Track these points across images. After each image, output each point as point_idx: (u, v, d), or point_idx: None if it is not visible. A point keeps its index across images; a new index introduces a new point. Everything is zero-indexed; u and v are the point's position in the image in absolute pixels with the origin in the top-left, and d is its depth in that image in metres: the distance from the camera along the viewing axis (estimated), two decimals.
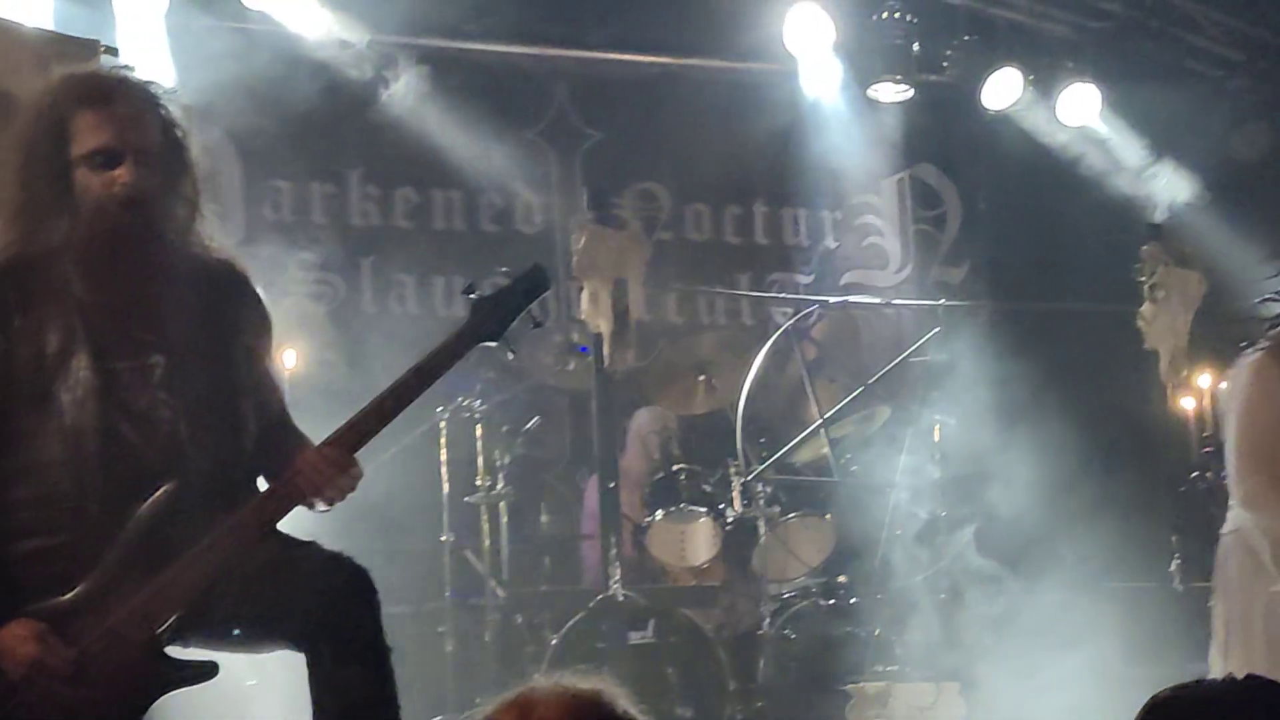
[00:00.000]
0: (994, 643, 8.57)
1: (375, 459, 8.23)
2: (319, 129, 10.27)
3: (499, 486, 9.06)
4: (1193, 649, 9.28)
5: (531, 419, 9.58)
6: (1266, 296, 6.38)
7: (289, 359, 8.70)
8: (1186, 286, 10.11)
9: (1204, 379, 10.31)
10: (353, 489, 4.47)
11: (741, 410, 9.20)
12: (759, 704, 8.52)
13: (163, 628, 4.27)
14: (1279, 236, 9.98)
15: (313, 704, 4.29)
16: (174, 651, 4.35)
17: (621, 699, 2.49)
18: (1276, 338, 6.27)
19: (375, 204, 10.67)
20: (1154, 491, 10.39)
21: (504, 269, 4.74)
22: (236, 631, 4.40)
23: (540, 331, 9.80)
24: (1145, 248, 10.32)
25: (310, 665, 4.29)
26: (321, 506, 4.44)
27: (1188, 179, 10.94)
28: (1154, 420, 10.45)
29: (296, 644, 4.32)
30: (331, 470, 4.38)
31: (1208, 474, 10.07)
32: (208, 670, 4.38)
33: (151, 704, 4.37)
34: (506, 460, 9.10)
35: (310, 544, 4.47)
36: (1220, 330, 10.42)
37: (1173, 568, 9.71)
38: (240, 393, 4.59)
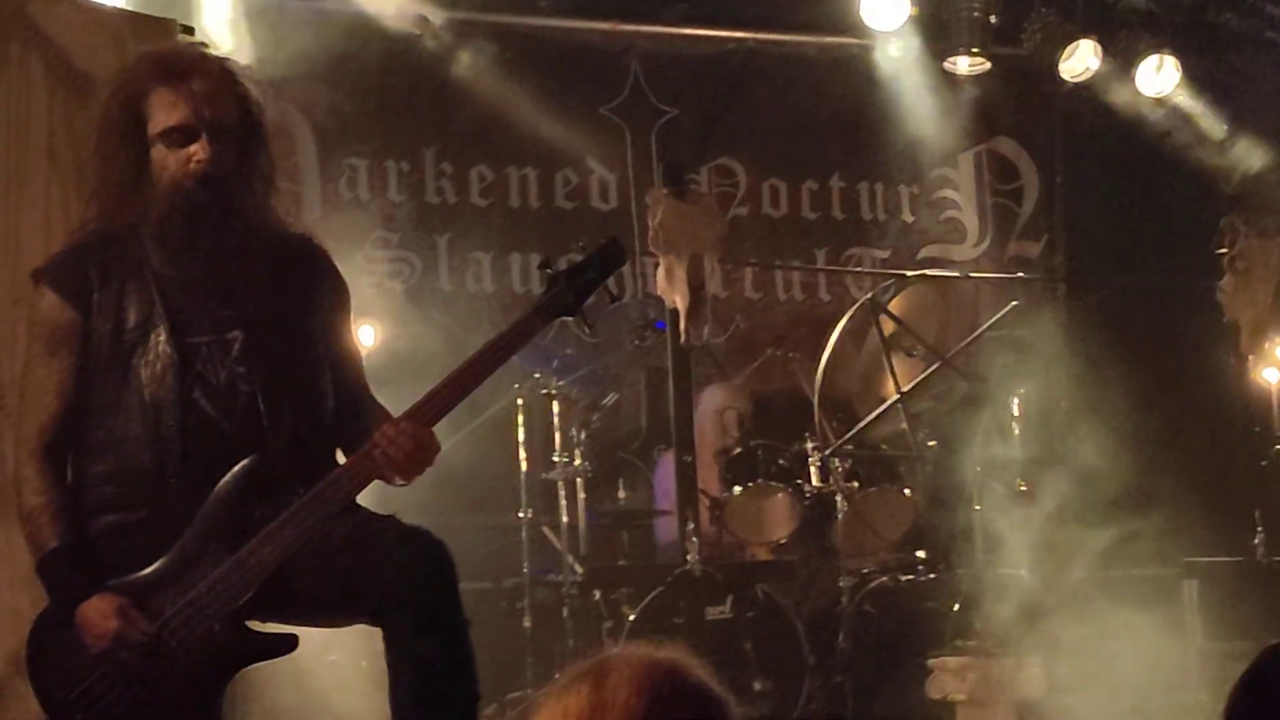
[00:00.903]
0: (1074, 617, 8.51)
1: (454, 434, 8.33)
2: (394, 107, 10.30)
3: (576, 462, 9.07)
4: (1275, 623, 9.24)
5: (608, 395, 9.59)
6: None
7: (367, 336, 8.75)
8: (1267, 258, 10.01)
9: None
10: (430, 463, 4.47)
11: (819, 385, 9.18)
12: (837, 679, 8.50)
13: (242, 602, 4.29)
14: None
15: (390, 678, 4.30)
16: (253, 625, 4.38)
17: (697, 668, 2.47)
18: None
19: (450, 181, 10.67)
20: (1237, 464, 10.31)
21: (580, 244, 4.74)
22: (315, 605, 4.42)
23: (617, 307, 9.84)
24: (1224, 220, 10.23)
25: (387, 639, 4.30)
26: (399, 481, 4.44)
27: (1268, 150, 10.83)
28: (1235, 393, 10.36)
29: (374, 618, 4.34)
30: (409, 444, 4.38)
31: None
32: (287, 643, 4.40)
33: (231, 677, 4.40)
34: (583, 436, 9.11)
35: (389, 518, 4.48)
36: None
37: (1256, 541, 9.63)
38: (318, 367, 4.60)
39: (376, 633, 4.35)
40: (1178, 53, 10.73)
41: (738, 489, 9.09)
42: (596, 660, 2.45)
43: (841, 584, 8.78)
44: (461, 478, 8.75)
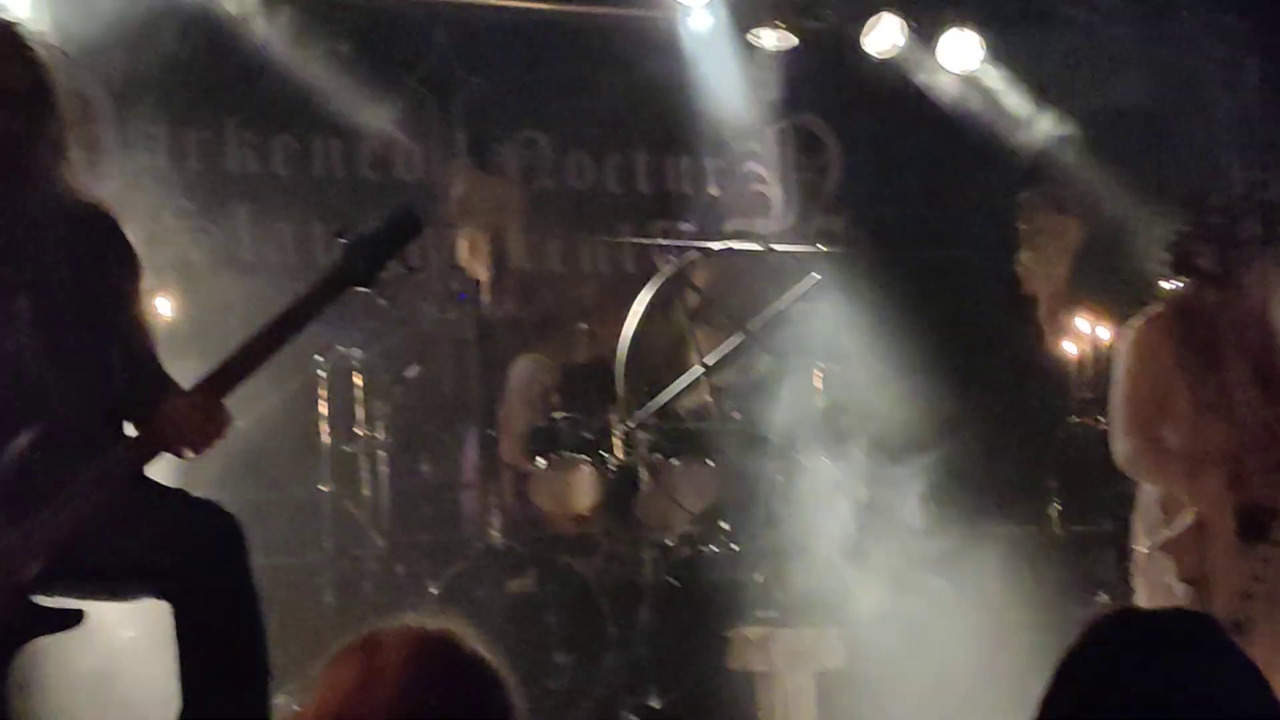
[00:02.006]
0: (874, 588, 8.59)
1: (253, 408, 8.22)
2: (194, 75, 10.13)
3: (379, 436, 9.00)
4: (1072, 592, 9.39)
5: (412, 367, 9.53)
6: (1161, 260, 6.44)
7: (164, 307, 8.61)
8: (1064, 233, 10.17)
9: (1082, 324, 10.38)
10: (221, 436, 4.41)
11: (623, 358, 9.17)
12: (640, 651, 8.51)
13: (27, 575, 4.21)
14: (1156, 183, 10.05)
15: (178, 654, 4.24)
16: (39, 600, 4.29)
17: (470, 640, 2.46)
18: (1165, 304, 6.35)
19: (252, 151, 10.55)
20: (1034, 436, 10.46)
21: (377, 215, 4.69)
22: (102, 579, 4.35)
23: (422, 279, 9.82)
24: (1024, 194, 10.38)
25: (175, 614, 4.24)
26: (189, 454, 4.38)
27: (1067, 126, 10.99)
28: (1033, 366, 10.50)
29: (162, 593, 4.27)
30: (198, 417, 4.32)
31: (1086, 419, 10.16)
32: (73, 618, 4.32)
33: (15, 650, 4.31)
34: (387, 409, 9.05)
35: (177, 491, 4.42)
36: (1098, 276, 10.50)
37: (1052, 512, 9.78)
38: (108, 337, 4.52)
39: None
40: (981, 28, 10.84)
41: (541, 461, 9.07)
42: (368, 634, 2.43)
43: (644, 556, 8.78)
44: (260, 451, 8.65)
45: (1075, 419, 10.06)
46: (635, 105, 11.07)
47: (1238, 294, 6.23)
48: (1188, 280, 6.31)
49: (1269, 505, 6.06)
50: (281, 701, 5.63)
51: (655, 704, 8.39)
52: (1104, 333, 10.25)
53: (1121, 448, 6.27)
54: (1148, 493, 6.34)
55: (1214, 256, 6.23)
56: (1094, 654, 2.46)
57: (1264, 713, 2.40)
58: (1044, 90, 11.04)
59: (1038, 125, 10.99)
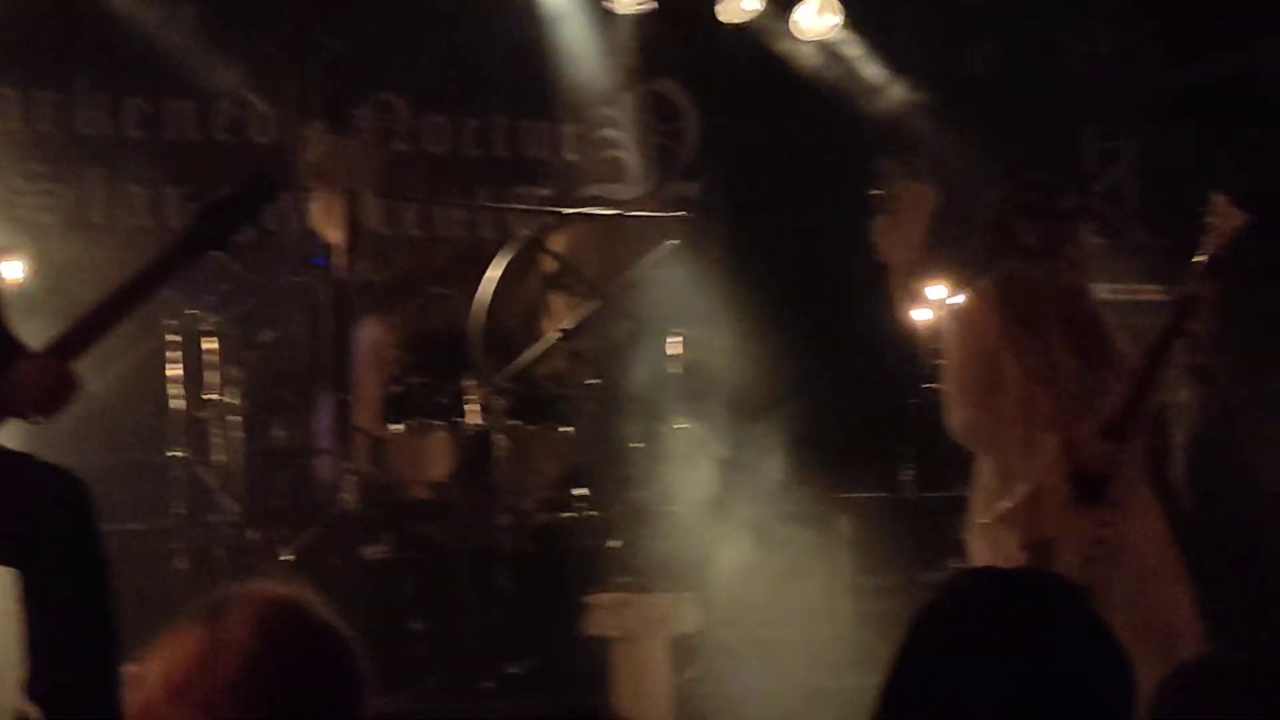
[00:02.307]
0: (730, 553, 8.64)
1: (105, 372, 8.13)
2: (45, 35, 9.99)
3: (232, 400, 8.93)
4: (924, 558, 9.48)
5: (266, 331, 9.45)
6: (987, 235, 6.53)
7: (15, 269, 8.49)
8: (920, 200, 10.24)
9: (936, 291, 10.46)
10: (70, 400, 4.35)
11: (480, 322, 9.15)
12: (496, 617, 8.50)
13: None
14: (1010, 150, 10.14)
15: (26, 622, 4.18)
16: None
17: (318, 605, 2.44)
18: (989, 278, 6.44)
19: (104, 113, 10.41)
20: (888, 403, 10.54)
21: (231, 179, 4.64)
22: None
23: (276, 243, 9.74)
24: (879, 162, 10.44)
25: (22, 580, 4.18)
26: (37, 418, 4.31)
27: (923, 93, 11.06)
28: (887, 332, 10.58)
29: (8, 558, 4.21)
30: (48, 381, 4.26)
31: (938, 386, 10.25)
32: None
33: None
34: (240, 374, 8.97)
35: (25, 456, 4.35)
36: (952, 244, 10.58)
37: (904, 478, 9.87)
38: None
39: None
40: None
41: (396, 427, 9.02)
42: (214, 598, 2.41)
43: (501, 522, 8.77)
44: (111, 415, 8.57)
45: (928, 385, 10.15)
46: (493, 69, 11.01)
47: (1060, 266, 6.34)
48: (1012, 252, 6.40)
49: (1102, 469, 6.17)
50: (132, 669, 5.58)
51: (512, 670, 8.39)
52: (956, 300, 10.34)
53: (956, 420, 6.37)
54: (985, 463, 6.43)
55: (1035, 231, 6.33)
56: (950, 611, 2.48)
57: (1116, 673, 2.43)
58: (900, 58, 11.10)
59: (894, 93, 11.05)
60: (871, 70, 11.07)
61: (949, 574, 2.63)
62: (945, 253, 10.41)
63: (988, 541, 6.33)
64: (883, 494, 9.87)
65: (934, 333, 10.14)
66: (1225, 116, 11.10)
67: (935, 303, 10.31)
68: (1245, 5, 10.67)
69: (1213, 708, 2.63)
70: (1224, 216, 6.18)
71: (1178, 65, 11.91)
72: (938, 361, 10.16)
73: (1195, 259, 6.21)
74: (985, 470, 6.42)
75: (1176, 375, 6.25)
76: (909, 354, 10.32)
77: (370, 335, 9.76)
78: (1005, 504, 6.22)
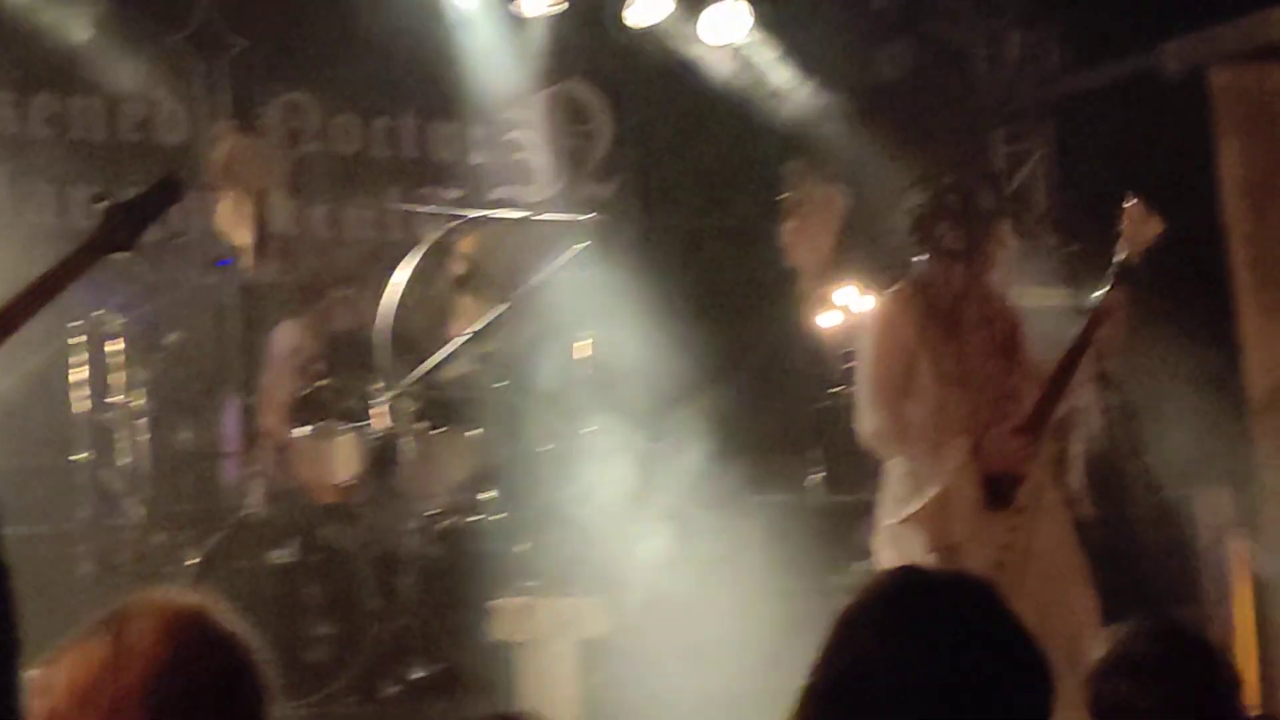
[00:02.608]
0: (638, 556, 8.63)
1: (8, 374, 8.05)
2: None
3: (138, 403, 8.85)
4: (832, 561, 9.51)
5: (172, 333, 9.37)
6: (905, 237, 6.55)
7: None
8: (829, 204, 10.27)
9: (845, 295, 10.50)
10: None
11: (387, 325, 9.10)
12: (402, 622, 8.46)
13: None
14: (919, 155, 10.18)
15: None
16: None
17: (224, 614, 2.43)
18: (906, 280, 6.47)
19: (10, 110, 10.31)
20: (796, 406, 10.57)
21: (136, 179, 4.60)
22: None
23: (182, 244, 9.67)
24: (789, 165, 10.46)
25: None
26: None
27: (832, 97, 11.09)
28: (796, 336, 10.61)
29: None
30: None
31: (848, 389, 10.29)
32: None
33: None
34: (146, 376, 8.90)
35: None
36: (862, 248, 10.62)
37: (813, 481, 9.90)
38: None
39: None
40: None
41: (302, 430, 8.97)
42: (119, 607, 2.39)
43: (408, 526, 8.74)
44: (14, 417, 8.48)
45: (836, 389, 10.18)
46: (402, 70, 10.98)
47: (979, 267, 6.38)
48: (930, 255, 6.43)
49: (1012, 473, 6.20)
50: (35, 674, 5.52)
51: (418, 675, 8.36)
52: (865, 304, 10.39)
53: (867, 423, 6.40)
54: (895, 467, 6.45)
55: (955, 232, 6.35)
56: (873, 612, 2.49)
57: (1035, 674, 2.45)
58: (810, 61, 11.12)
59: (803, 96, 11.07)
60: (781, 74, 11.09)
61: (873, 574, 2.64)
62: (854, 256, 10.46)
63: (895, 544, 6.36)
64: (791, 497, 9.89)
65: (844, 336, 10.20)
66: (1130, 119, 11.18)
67: (844, 306, 10.36)
68: (1148, 8, 10.75)
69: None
70: (1139, 223, 6.22)
71: (1082, 68, 12.00)
72: (847, 365, 10.25)
73: (1111, 264, 6.24)
74: (895, 472, 6.44)
75: (1086, 382, 6.29)
76: (817, 357, 10.36)
77: (276, 337, 9.70)
78: (914, 506, 6.24)
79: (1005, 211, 6.44)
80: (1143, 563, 8.52)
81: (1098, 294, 6.26)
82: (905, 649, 2.40)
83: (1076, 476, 6.55)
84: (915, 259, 6.50)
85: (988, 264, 6.40)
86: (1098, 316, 6.22)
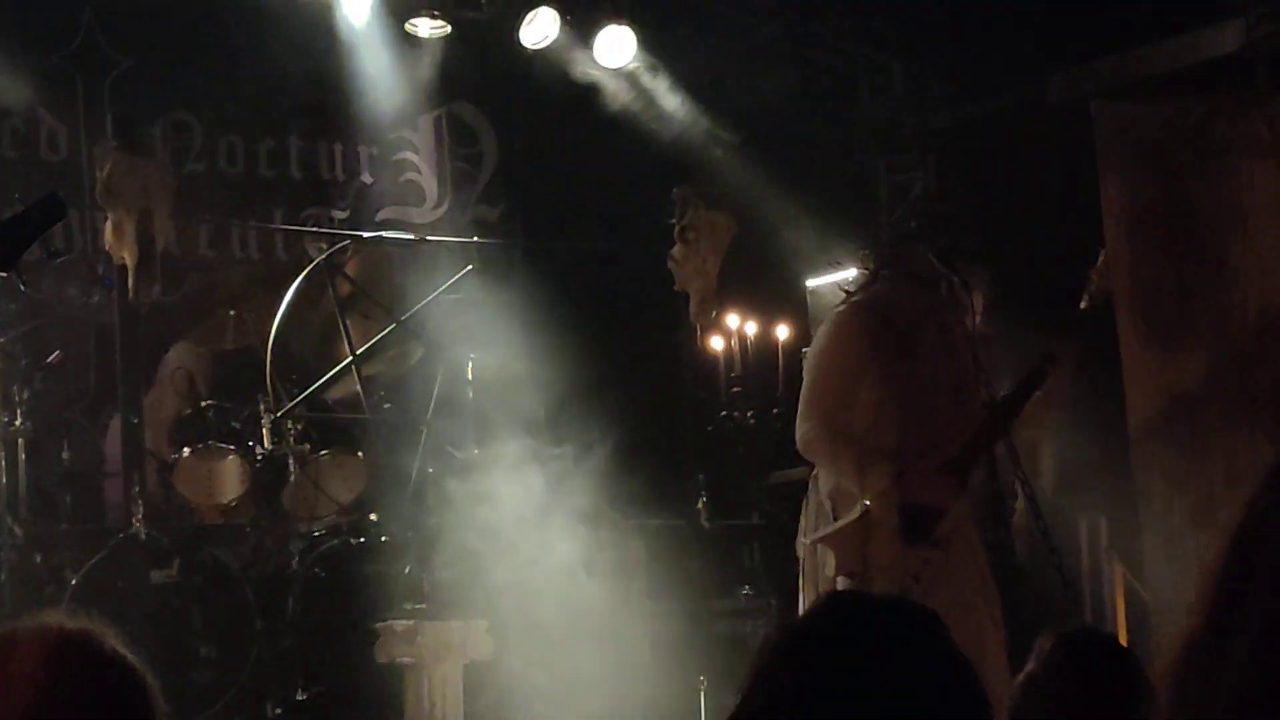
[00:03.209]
0: (523, 579, 8.62)
1: None
2: None
3: (17, 422, 8.75)
4: (718, 585, 9.55)
5: (54, 353, 9.28)
6: (870, 257, 6.56)
7: None
8: (716, 229, 10.30)
9: (733, 320, 10.54)
10: None
11: (272, 346, 9.05)
12: (286, 643, 8.43)
13: None
14: (806, 182, 10.25)
15: None
16: None
17: (110, 639, 2.41)
18: (867, 295, 6.47)
19: None
20: (682, 430, 10.59)
21: (16, 197, 4.56)
22: None
23: (65, 263, 9.57)
24: (676, 190, 10.49)
25: None
26: None
27: (720, 123, 11.13)
28: (683, 360, 10.64)
29: None
30: None
31: (735, 414, 10.33)
32: None
33: None
34: (26, 395, 8.80)
35: None
36: (748, 273, 10.67)
37: (699, 506, 9.91)
38: None
39: None
40: (635, 23, 10.91)
41: (186, 450, 8.92)
42: (2, 633, 2.36)
43: (292, 547, 8.70)
44: None
45: (724, 414, 10.22)
46: (289, 89, 10.93)
47: (945, 300, 6.39)
48: (898, 277, 6.43)
49: (933, 507, 6.20)
50: None
51: (301, 696, 8.32)
52: (752, 329, 10.44)
53: (801, 430, 6.37)
54: (819, 484, 6.44)
55: (927, 260, 6.36)
56: (812, 634, 2.49)
57: (972, 708, 2.46)
58: (698, 87, 11.15)
59: (691, 122, 11.10)
60: (668, 99, 11.11)
61: (821, 595, 2.64)
62: (741, 281, 10.51)
63: (810, 560, 6.35)
64: (677, 521, 9.91)
65: (729, 361, 10.24)
66: (1013, 151, 11.29)
67: (731, 331, 10.40)
68: (1031, 41, 10.87)
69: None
70: (1106, 277, 6.22)
71: (966, 99, 12.11)
72: (733, 390, 10.29)
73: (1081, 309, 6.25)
74: (819, 488, 6.42)
75: (1030, 426, 6.28)
76: (705, 383, 10.40)
77: (167, 358, 9.65)
78: (831, 527, 6.23)
79: (979, 251, 6.43)
80: (1024, 589, 8.60)
81: (1048, 345, 6.25)
82: (836, 675, 2.40)
83: (1009, 519, 6.53)
84: (884, 278, 6.50)
85: (954, 299, 6.41)
86: (1044, 364, 6.22)
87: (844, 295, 6.56)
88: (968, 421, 6.28)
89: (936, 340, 6.38)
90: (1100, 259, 6.24)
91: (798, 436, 6.39)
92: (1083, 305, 6.19)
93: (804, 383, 6.47)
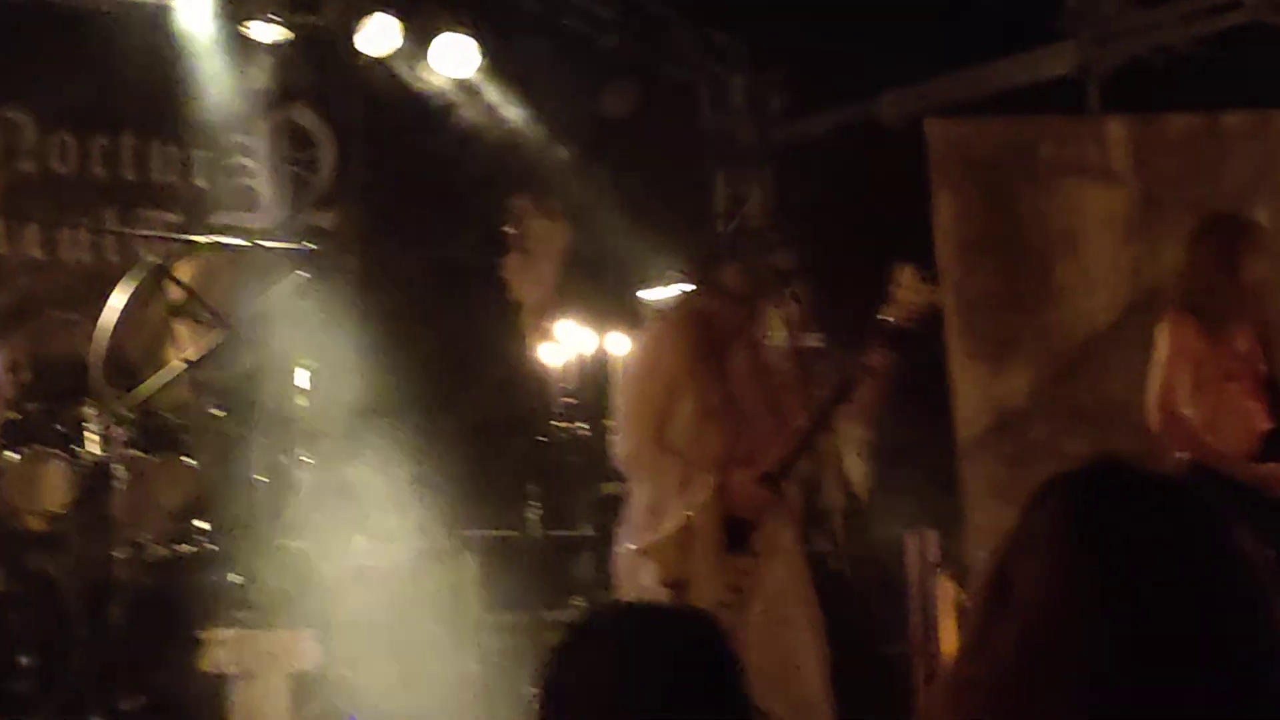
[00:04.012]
0: (354, 589, 8.57)
1: None
2: None
3: None
4: (549, 595, 9.54)
5: None
6: (686, 271, 6.57)
7: None
8: (552, 239, 10.32)
9: (567, 330, 10.54)
10: None
11: (102, 349, 8.92)
12: (109, 653, 8.31)
13: None
14: (643, 194, 10.27)
15: None
16: None
17: None
18: (685, 309, 6.49)
19: None
20: (515, 440, 10.58)
21: None
22: None
23: None
24: (513, 200, 10.49)
25: None
26: None
27: (558, 133, 11.14)
28: (517, 370, 10.63)
29: None
30: None
31: (567, 424, 10.33)
32: None
33: None
34: None
35: None
36: (584, 283, 10.69)
37: (531, 516, 9.91)
38: None
39: None
40: (476, 33, 10.90)
41: (10, 455, 8.77)
42: None
43: (117, 555, 8.57)
44: None
45: (556, 424, 10.22)
46: (123, 90, 10.79)
47: (761, 313, 6.42)
48: (712, 290, 6.45)
49: (751, 518, 6.24)
50: None
51: (125, 706, 8.21)
52: (586, 339, 10.45)
53: (622, 445, 6.39)
54: (639, 496, 6.46)
55: (739, 273, 6.38)
56: (593, 643, 2.51)
57: (738, 710, 2.49)
58: (539, 98, 11.16)
59: (530, 131, 11.11)
60: (508, 108, 11.11)
61: (590, 608, 2.67)
62: (576, 292, 10.52)
63: (629, 573, 6.37)
64: (509, 531, 9.89)
65: (563, 371, 10.25)
66: (850, 166, 11.40)
67: (565, 341, 10.40)
68: (868, 58, 10.98)
69: None
70: (910, 290, 6.25)
71: (804, 114, 12.21)
72: (566, 400, 10.29)
73: (877, 324, 6.26)
74: (639, 500, 6.44)
75: (845, 438, 6.32)
76: (538, 392, 10.39)
77: None
78: (651, 537, 6.25)
79: (798, 270, 6.45)
80: (854, 602, 8.67)
81: (864, 355, 6.27)
82: (619, 683, 2.43)
83: (829, 528, 6.58)
84: (701, 292, 6.51)
85: (766, 306, 6.43)
86: (852, 376, 6.25)
87: (659, 311, 6.61)
88: (785, 433, 6.32)
89: (751, 353, 6.42)
90: (902, 271, 6.24)
91: (619, 453, 6.40)
92: (889, 318, 6.19)
93: (622, 398, 6.48)
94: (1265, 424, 6.85)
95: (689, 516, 6.19)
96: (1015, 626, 1.87)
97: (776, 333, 6.51)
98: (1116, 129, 8.90)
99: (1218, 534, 1.90)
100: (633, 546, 6.36)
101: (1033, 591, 1.87)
